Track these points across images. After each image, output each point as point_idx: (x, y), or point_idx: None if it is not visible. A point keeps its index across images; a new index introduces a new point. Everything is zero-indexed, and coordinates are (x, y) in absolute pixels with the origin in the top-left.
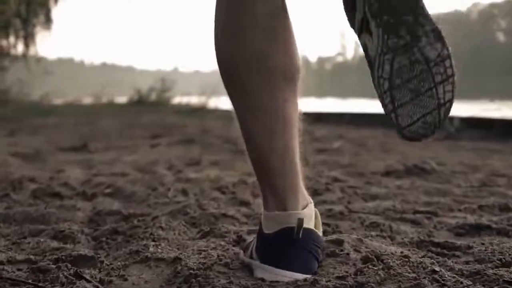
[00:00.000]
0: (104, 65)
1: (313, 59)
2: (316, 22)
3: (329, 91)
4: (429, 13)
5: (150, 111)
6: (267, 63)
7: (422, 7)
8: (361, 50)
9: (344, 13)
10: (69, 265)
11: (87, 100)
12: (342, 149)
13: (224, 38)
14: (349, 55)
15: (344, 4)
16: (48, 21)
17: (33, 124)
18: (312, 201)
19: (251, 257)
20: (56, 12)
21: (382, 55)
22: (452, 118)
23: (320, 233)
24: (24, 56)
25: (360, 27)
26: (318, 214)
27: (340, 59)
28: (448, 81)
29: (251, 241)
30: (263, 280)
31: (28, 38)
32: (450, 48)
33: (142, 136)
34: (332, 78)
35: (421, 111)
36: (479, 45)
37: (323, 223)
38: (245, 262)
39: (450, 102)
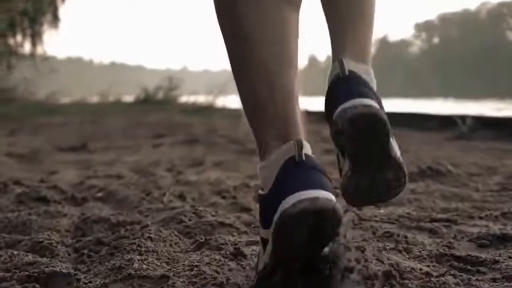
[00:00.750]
0: (113, 64)
1: (321, 58)
2: (324, 20)
3: None
4: (395, 146)
5: (156, 110)
6: None
7: (390, 152)
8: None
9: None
10: (37, 286)
11: (94, 99)
12: None
13: None
14: None
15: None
16: (55, 20)
17: (37, 123)
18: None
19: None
20: (64, 11)
21: (350, 177)
22: (464, 117)
23: None
24: (32, 55)
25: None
26: None
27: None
28: (400, 188)
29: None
30: (284, 214)
31: (35, 37)
32: (406, 170)
33: (146, 136)
34: None
35: (372, 201)
36: (488, 44)
37: None
38: (260, 275)
39: (395, 196)
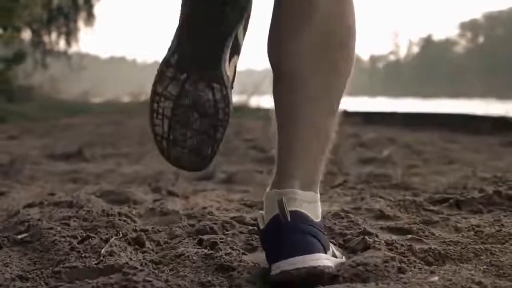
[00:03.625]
0: (156, 63)
1: (365, 57)
2: (368, 20)
3: (381, 90)
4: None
5: None
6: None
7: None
8: (414, 50)
9: None
10: None
11: (126, 99)
12: (393, 158)
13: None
14: (402, 53)
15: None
16: (90, 17)
17: (52, 124)
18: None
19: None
20: (107, 10)
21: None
22: None
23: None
24: (65, 53)
25: None
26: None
27: (392, 57)
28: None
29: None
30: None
31: (70, 35)
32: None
33: None
34: (384, 76)
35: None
36: None
37: None
38: None
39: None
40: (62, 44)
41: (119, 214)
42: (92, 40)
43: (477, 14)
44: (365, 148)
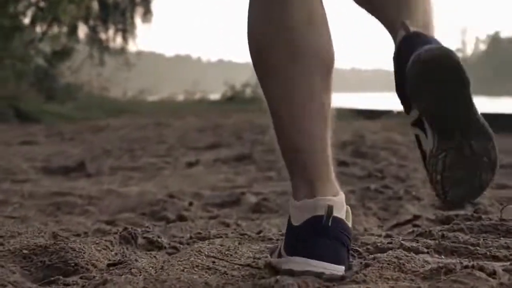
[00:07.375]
0: (220, 61)
1: None
2: (436, 17)
3: None
4: (478, 112)
5: (239, 109)
6: (303, 49)
7: (474, 112)
8: (481, 47)
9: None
10: None
11: (180, 97)
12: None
13: (259, 25)
14: (469, 51)
15: (398, 95)
16: (147, 14)
17: (88, 126)
18: (342, 192)
19: (279, 256)
20: (169, 7)
21: (436, 154)
22: None
23: (350, 225)
24: (123, 50)
25: (414, 123)
26: (349, 210)
27: (459, 55)
28: (491, 167)
29: (277, 245)
30: (290, 272)
31: (127, 32)
32: (494, 139)
33: (195, 146)
34: None
35: (465, 189)
36: None
37: None
38: (272, 264)
39: (490, 181)
40: (118, 41)
41: None
42: (157, 38)
43: None
44: None
